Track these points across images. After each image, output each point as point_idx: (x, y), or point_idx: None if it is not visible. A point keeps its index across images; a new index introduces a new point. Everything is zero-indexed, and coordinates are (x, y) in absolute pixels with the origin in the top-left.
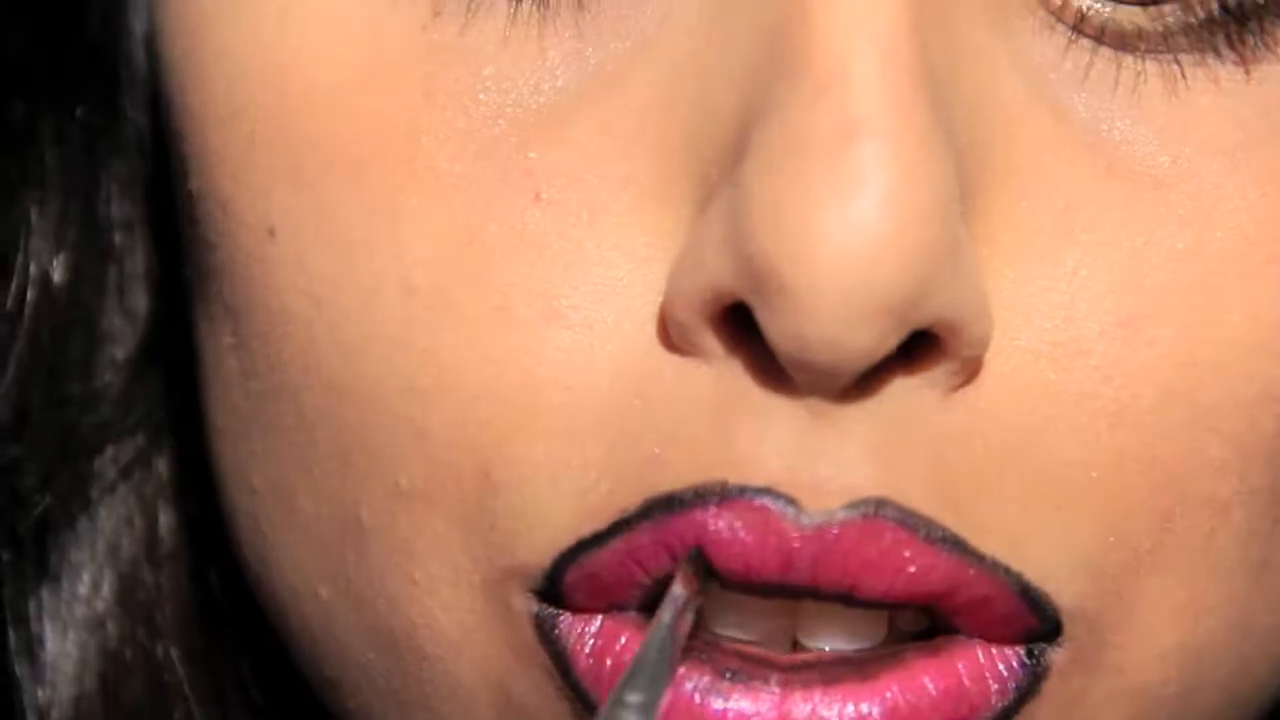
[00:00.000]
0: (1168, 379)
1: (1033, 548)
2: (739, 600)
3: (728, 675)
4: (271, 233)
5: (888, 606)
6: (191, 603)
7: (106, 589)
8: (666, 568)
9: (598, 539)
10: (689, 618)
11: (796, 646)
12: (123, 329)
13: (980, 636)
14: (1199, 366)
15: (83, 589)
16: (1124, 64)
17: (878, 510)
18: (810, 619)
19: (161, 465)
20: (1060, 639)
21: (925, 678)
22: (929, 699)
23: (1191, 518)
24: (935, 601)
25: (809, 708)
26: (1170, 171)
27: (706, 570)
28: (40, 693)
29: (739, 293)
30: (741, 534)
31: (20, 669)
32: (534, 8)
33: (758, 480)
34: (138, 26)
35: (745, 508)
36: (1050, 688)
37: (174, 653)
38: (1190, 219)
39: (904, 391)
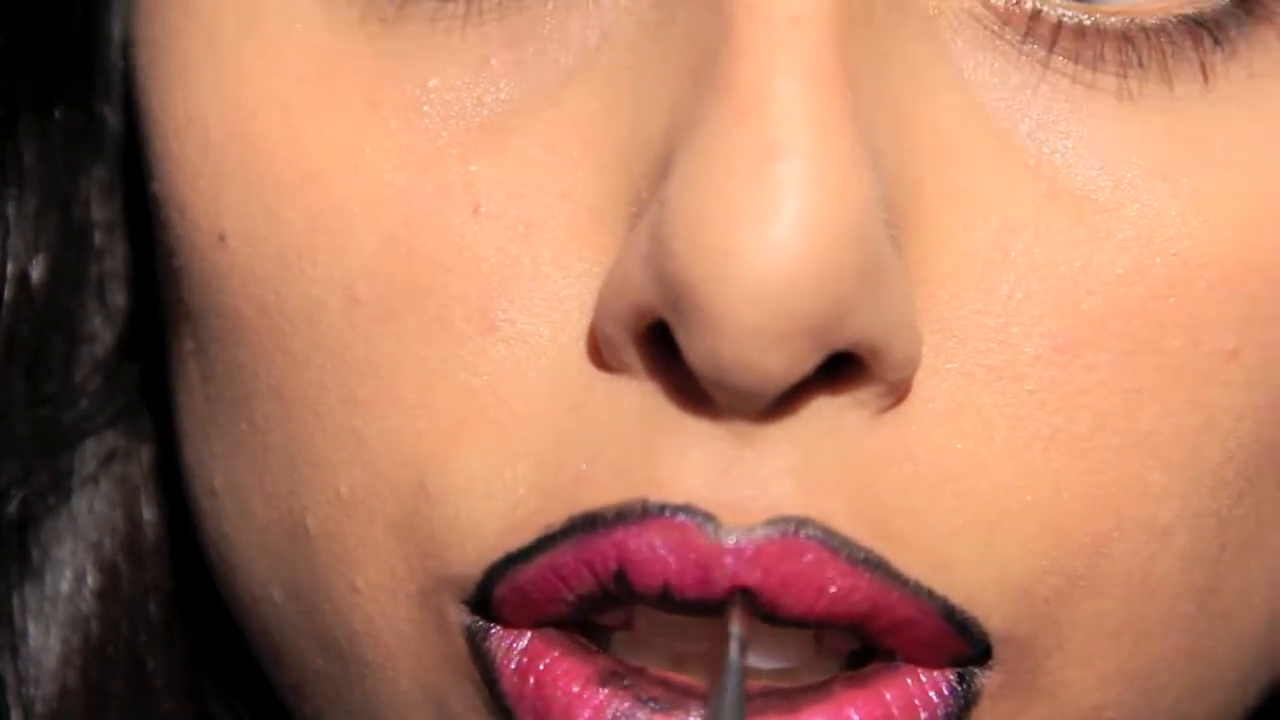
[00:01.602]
0: (1106, 405)
1: (960, 571)
2: (666, 621)
3: (650, 704)
4: (223, 238)
5: (811, 626)
6: (174, 599)
7: (89, 585)
8: (590, 586)
9: (524, 554)
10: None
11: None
12: (101, 327)
13: (908, 660)
14: (1139, 393)
15: (65, 585)
16: (1077, 76)
17: (799, 529)
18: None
19: (141, 460)
20: (991, 662)
21: (851, 709)
22: None
23: (1128, 542)
24: (859, 623)
25: None
26: (1112, 195)
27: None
28: (23, 688)
29: (659, 310)
30: (660, 551)
31: (3, 664)
32: (479, 19)
33: (677, 498)
34: (115, 32)
35: (664, 525)
36: (981, 712)
37: (157, 649)
38: (1130, 243)
39: (830, 412)
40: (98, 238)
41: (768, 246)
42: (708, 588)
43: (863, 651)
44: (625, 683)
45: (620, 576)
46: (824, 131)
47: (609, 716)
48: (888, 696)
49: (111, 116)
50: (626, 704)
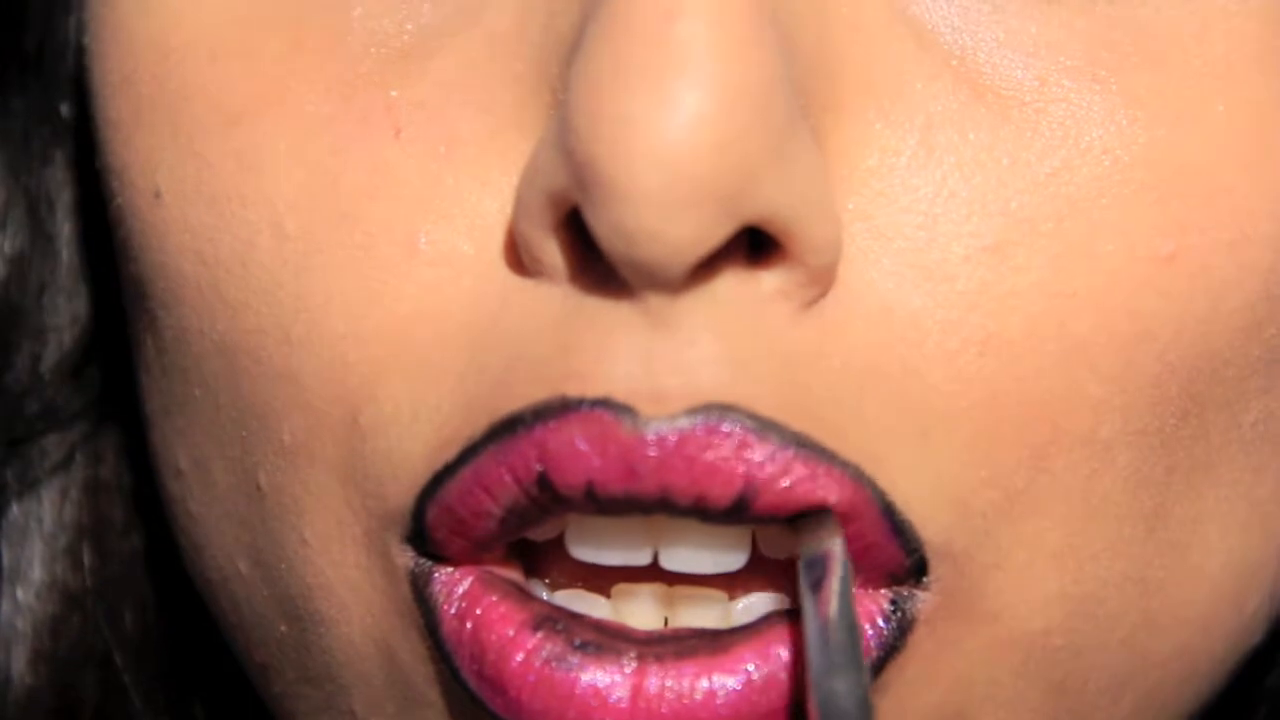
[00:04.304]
0: (1038, 309)
1: (896, 472)
2: (598, 524)
3: (581, 646)
4: (158, 195)
5: (745, 520)
6: (144, 598)
7: (57, 583)
8: (514, 494)
9: (448, 470)
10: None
11: (668, 576)
12: (65, 320)
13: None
14: (1073, 298)
15: (33, 584)
16: None
17: (722, 416)
18: (670, 540)
19: (107, 458)
20: (926, 580)
21: (780, 647)
22: (784, 666)
23: (1069, 457)
24: (793, 514)
25: (663, 680)
26: (1038, 94)
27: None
28: None
29: (570, 193)
30: (581, 446)
31: None
32: None
33: (596, 391)
34: (72, 34)
35: (583, 419)
36: (918, 639)
37: (126, 648)
38: (1058, 143)
39: (752, 302)
40: (61, 232)
41: (666, 109)
42: (634, 482)
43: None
44: (559, 626)
45: (543, 479)
46: None
47: (541, 658)
48: None
49: (68, 113)
50: (559, 647)
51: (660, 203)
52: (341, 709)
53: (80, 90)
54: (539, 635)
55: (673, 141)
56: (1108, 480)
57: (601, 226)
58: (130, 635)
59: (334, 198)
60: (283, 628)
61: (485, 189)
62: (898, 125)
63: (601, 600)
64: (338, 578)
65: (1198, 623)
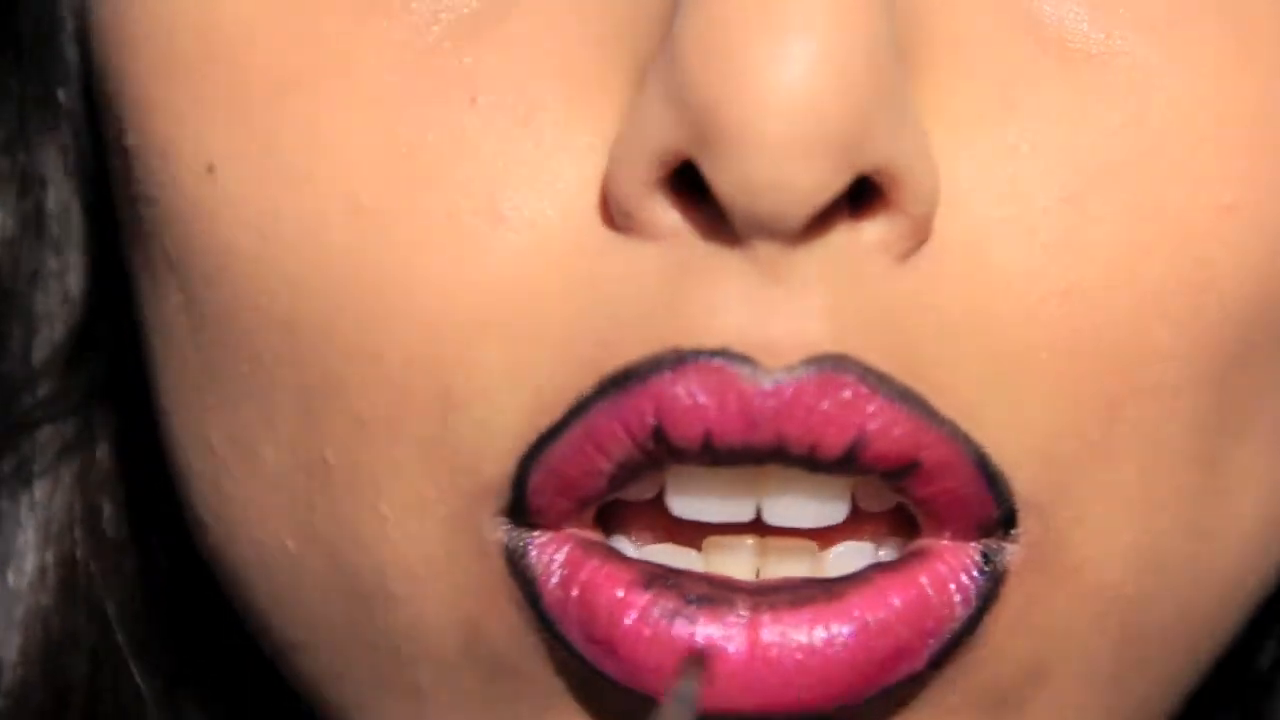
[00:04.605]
0: (1113, 258)
1: (988, 423)
2: (699, 478)
3: (694, 600)
4: (211, 170)
5: (852, 471)
6: (138, 591)
7: (50, 576)
8: (627, 448)
9: (554, 431)
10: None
11: (762, 526)
12: (60, 311)
13: (939, 523)
14: (1144, 247)
15: (26, 576)
16: None
17: (836, 366)
18: (773, 494)
19: (101, 450)
20: (1015, 533)
21: (891, 594)
22: (896, 614)
23: (1141, 407)
24: (897, 467)
25: (779, 630)
26: (1104, 47)
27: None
28: None
29: (683, 147)
30: (700, 398)
31: None
32: None
33: (712, 343)
34: (68, 15)
35: (701, 370)
36: (1009, 591)
37: (121, 642)
38: (1126, 94)
39: (856, 252)
40: (56, 221)
41: (789, 60)
42: (752, 433)
43: (892, 517)
44: (669, 583)
45: (658, 432)
46: None
47: (655, 615)
48: (923, 580)
49: (67, 99)
50: (673, 603)
51: (786, 150)
52: (405, 682)
53: (83, 73)
54: (650, 593)
55: (796, 91)
56: (1173, 427)
57: (723, 177)
58: (122, 624)
59: (412, 169)
60: (339, 605)
61: (568, 153)
62: (979, 79)
63: (693, 553)
64: (415, 554)
65: (1233, 574)
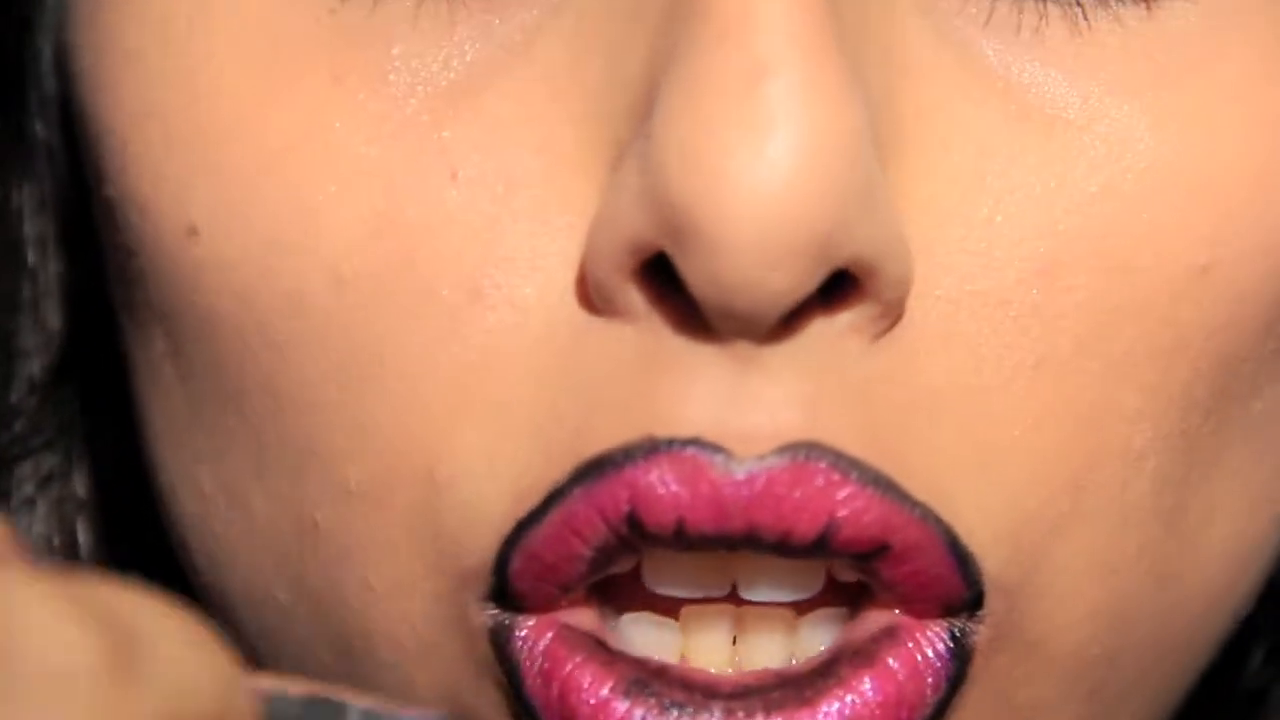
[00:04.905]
0: (1084, 328)
1: (959, 505)
2: (674, 559)
3: (673, 709)
4: (192, 232)
5: (823, 555)
6: None
7: None
8: (603, 535)
9: (534, 517)
10: None
11: (737, 599)
12: (37, 345)
13: (905, 605)
14: (1115, 313)
15: None
16: (1025, 7)
17: (809, 454)
18: (748, 571)
19: (78, 482)
20: (981, 614)
21: (863, 688)
22: (868, 709)
23: (1104, 472)
24: (869, 550)
25: None
26: (1081, 113)
27: None
28: None
29: (657, 242)
30: (673, 487)
31: None
32: None
33: (685, 432)
34: (45, 50)
35: (675, 460)
36: (976, 670)
37: None
38: (1102, 161)
39: (829, 338)
40: (31, 254)
41: (765, 164)
42: (725, 522)
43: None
44: (648, 691)
45: (633, 518)
46: (812, 49)
47: None
48: (893, 664)
49: (45, 133)
50: (652, 713)
51: (759, 255)
52: None
53: (62, 112)
54: (628, 703)
55: (773, 195)
56: (1137, 488)
57: (697, 276)
58: None
59: (393, 242)
60: (328, 659)
61: (545, 229)
62: (951, 153)
63: (672, 624)
64: (404, 627)
65: (1202, 612)
